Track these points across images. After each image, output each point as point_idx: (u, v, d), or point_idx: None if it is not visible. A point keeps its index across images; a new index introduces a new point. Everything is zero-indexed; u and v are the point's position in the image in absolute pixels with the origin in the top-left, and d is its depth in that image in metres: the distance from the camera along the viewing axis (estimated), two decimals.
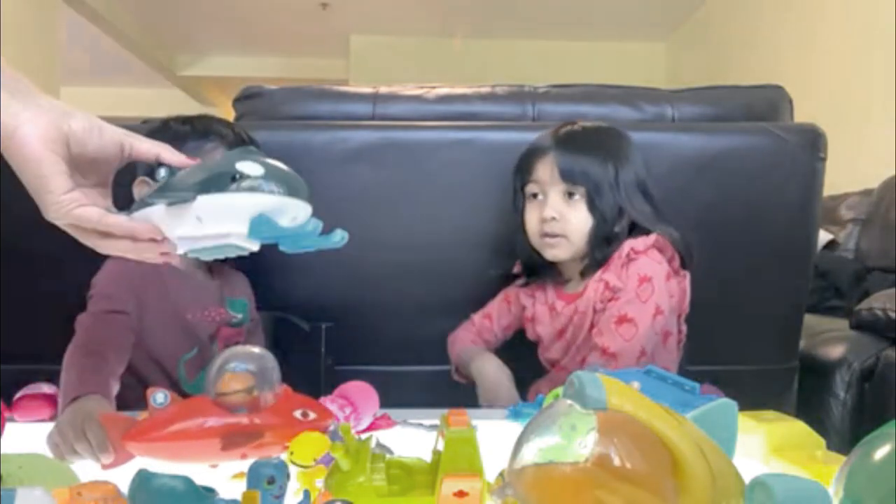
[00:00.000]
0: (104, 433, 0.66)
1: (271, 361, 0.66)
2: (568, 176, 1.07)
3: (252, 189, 0.57)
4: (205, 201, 0.57)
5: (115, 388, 0.84)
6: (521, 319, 1.22)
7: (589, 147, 1.09)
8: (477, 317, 1.26)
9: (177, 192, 0.58)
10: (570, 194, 1.08)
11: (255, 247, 0.60)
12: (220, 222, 0.58)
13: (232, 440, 0.62)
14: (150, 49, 5.78)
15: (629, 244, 1.06)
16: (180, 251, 0.61)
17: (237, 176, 0.57)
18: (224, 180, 0.57)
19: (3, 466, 0.53)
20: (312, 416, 0.66)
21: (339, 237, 0.59)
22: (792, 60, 3.48)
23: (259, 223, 0.57)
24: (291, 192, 0.58)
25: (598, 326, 1.06)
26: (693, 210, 1.25)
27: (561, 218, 1.07)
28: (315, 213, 1.41)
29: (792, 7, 3.57)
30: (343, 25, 5.46)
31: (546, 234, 1.09)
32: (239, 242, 0.59)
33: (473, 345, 1.23)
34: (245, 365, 0.64)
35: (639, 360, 1.02)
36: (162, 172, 0.62)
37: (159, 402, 0.64)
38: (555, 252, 1.10)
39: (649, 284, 1.04)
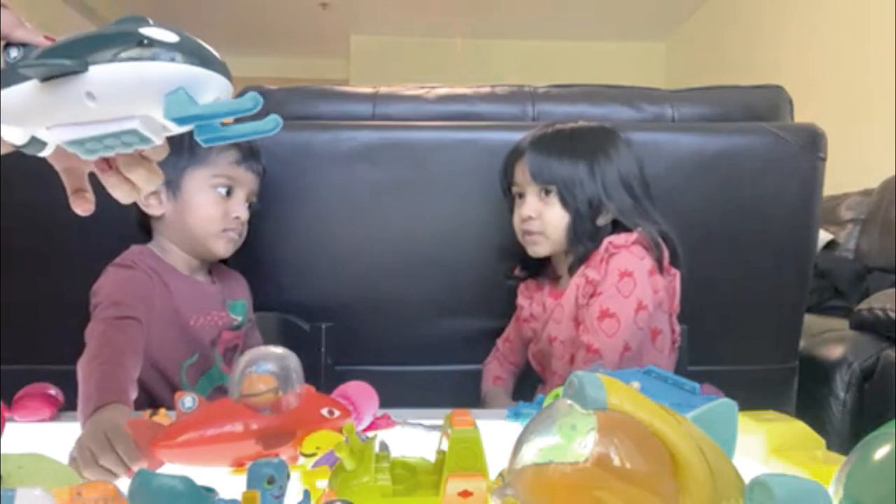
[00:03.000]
0: (131, 443, 0.65)
1: (294, 361, 0.66)
2: (538, 176, 1.10)
3: (165, 57, 0.43)
4: (100, 72, 0.43)
5: (134, 393, 0.83)
6: None
7: (558, 147, 1.11)
8: (500, 341, 1.29)
9: (57, 59, 0.43)
10: (547, 192, 1.11)
11: (159, 138, 0.47)
12: (120, 100, 0.44)
13: (266, 442, 0.62)
14: None
15: (608, 239, 1.07)
16: (60, 139, 0.47)
17: (144, 42, 0.43)
18: (126, 44, 0.43)
19: (3, 466, 0.53)
20: (338, 413, 0.67)
21: (274, 123, 0.46)
22: (792, 60, 3.48)
23: (177, 100, 0.43)
24: (209, 64, 0.45)
25: (583, 324, 1.08)
26: (693, 210, 1.25)
27: (538, 216, 1.11)
28: (316, 212, 1.41)
29: (792, 7, 3.57)
30: (343, 25, 5.46)
31: (526, 233, 1.13)
32: (143, 130, 0.45)
33: (497, 379, 1.26)
34: (268, 366, 0.65)
35: (623, 356, 1.03)
36: (13, 52, 0.45)
37: (188, 407, 0.63)
38: (535, 249, 1.13)
39: (630, 279, 1.05)
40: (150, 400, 1.02)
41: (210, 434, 0.62)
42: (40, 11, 3.74)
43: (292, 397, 0.65)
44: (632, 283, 1.05)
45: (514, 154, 1.15)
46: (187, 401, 0.63)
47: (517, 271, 1.24)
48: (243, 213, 1.07)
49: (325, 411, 0.66)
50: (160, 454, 0.63)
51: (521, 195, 1.14)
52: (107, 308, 0.94)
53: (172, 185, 1.05)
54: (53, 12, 3.91)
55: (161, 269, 1.06)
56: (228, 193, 1.06)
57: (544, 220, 1.11)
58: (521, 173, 1.13)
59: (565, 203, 1.09)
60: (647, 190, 1.13)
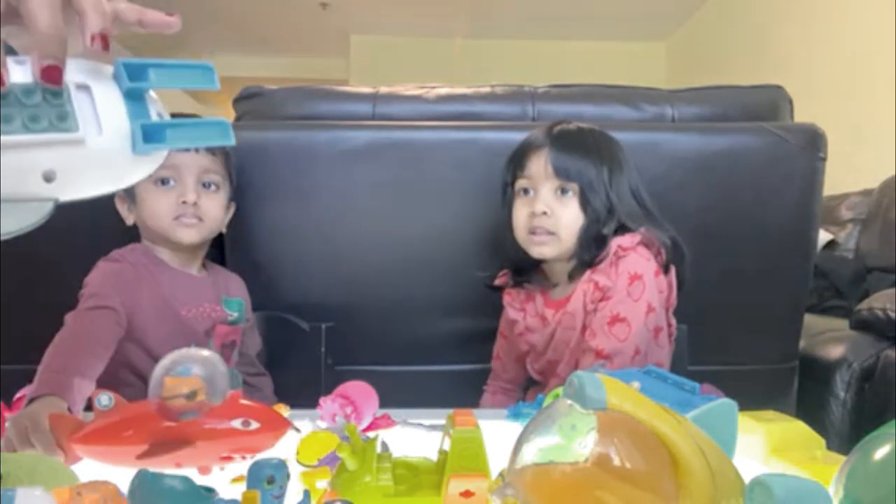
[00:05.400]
0: (49, 437, 0.67)
1: (220, 366, 0.63)
2: (562, 172, 1.05)
3: None
4: None
5: (85, 384, 0.84)
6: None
7: (584, 146, 1.07)
8: (493, 363, 1.27)
9: None
10: (563, 191, 1.06)
11: None
12: None
13: (159, 448, 0.60)
14: (150, 49, 5.79)
15: (616, 242, 1.04)
16: None
17: None
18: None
19: (3, 466, 0.53)
20: (255, 425, 0.62)
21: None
22: (792, 60, 3.48)
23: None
24: None
25: (590, 328, 1.05)
26: (693, 210, 1.25)
27: (552, 213, 1.05)
28: (316, 212, 1.41)
29: (792, 7, 3.57)
30: (343, 25, 5.46)
31: (535, 231, 1.07)
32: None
33: (493, 398, 1.24)
34: (190, 368, 0.63)
35: (634, 359, 1.01)
36: None
37: (103, 405, 0.63)
38: (541, 250, 1.07)
39: (640, 282, 1.03)
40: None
41: (111, 434, 0.62)
42: None
43: (213, 402, 0.62)
44: (641, 287, 1.02)
45: (530, 146, 1.09)
46: (103, 399, 0.63)
47: (502, 279, 1.18)
48: (192, 197, 1.06)
49: (237, 422, 0.62)
50: (76, 450, 0.63)
51: (528, 191, 1.09)
52: (86, 299, 0.98)
53: (130, 192, 1.08)
54: None
55: (151, 263, 1.09)
56: (173, 182, 1.06)
57: (558, 219, 1.05)
58: (539, 166, 1.06)
59: (584, 204, 1.05)
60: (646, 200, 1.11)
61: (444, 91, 1.37)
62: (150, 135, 0.45)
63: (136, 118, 0.44)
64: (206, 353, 0.65)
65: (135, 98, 0.45)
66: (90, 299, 0.98)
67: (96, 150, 0.43)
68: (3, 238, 0.43)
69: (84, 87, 0.44)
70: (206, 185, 1.09)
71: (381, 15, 5.23)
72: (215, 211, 1.10)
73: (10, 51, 0.45)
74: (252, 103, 1.35)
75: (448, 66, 5.31)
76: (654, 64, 5.46)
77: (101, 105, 0.44)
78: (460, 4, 4.98)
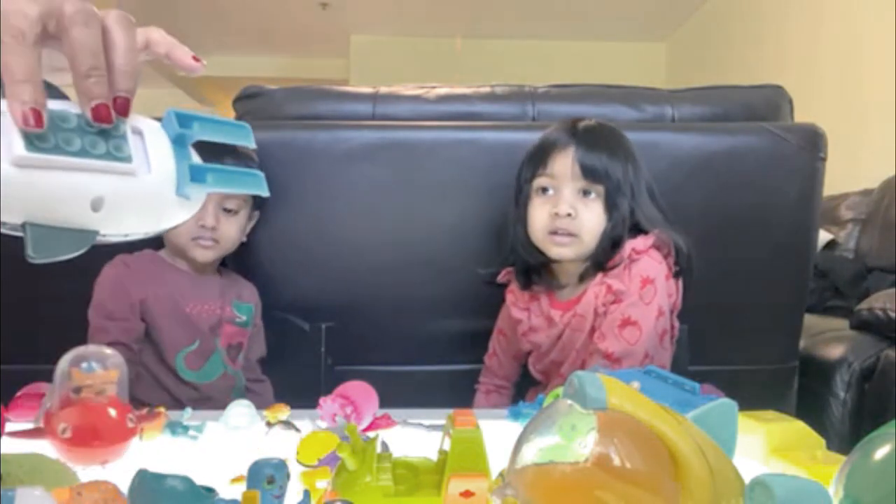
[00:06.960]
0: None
1: (122, 371, 0.64)
2: (589, 172, 1.02)
3: None
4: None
5: None
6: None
7: (610, 145, 1.05)
8: (487, 359, 1.26)
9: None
10: (586, 192, 1.04)
11: None
12: None
13: (30, 431, 0.63)
14: None
15: (630, 245, 1.03)
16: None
17: None
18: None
19: (3, 466, 0.53)
20: (68, 435, 0.60)
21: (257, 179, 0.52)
22: (793, 60, 3.48)
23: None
24: None
25: (599, 330, 1.04)
26: (693, 210, 1.25)
27: (576, 216, 1.03)
28: (315, 212, 1.41)
29: (792, 7, 3.57)
30: (343, 25, 5.46)
31: (556, 232, 1.04)
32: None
33: (487, 396, 1.24)
34: (92, 366, 0.63)
35: (643, 363, 1.00)
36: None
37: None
38: (561, 251, 1.05)
39: (652, 286, 1.02)
40: (159, 386, 1.10)
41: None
42: None
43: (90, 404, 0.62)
44: (653, 290, 1.01)
45: (554, 143, 1.06)
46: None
47: (505, 277, 1.17)
48: (210, 221, 1.10)
49: (60, 427, 0.60)
50: None
51: (548, 189, 1.06)
52: (94, 334, 1.04)
53: None
54: None
55: (158, 268, 1.13)
56: None
57: (581, 222, 1.03)
58: (564, 165, 1.03)
59: (609, 207, 1.02)
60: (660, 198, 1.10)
61: (444, 91, 1.37)
62: (194, 175, 0.48)
63: (182, 161, 0.48)
64: (108, 351, 0.65)
65: (180, 145, 0.48)
66: (95, 336, 1.03)
67: (145, 187, 0.45)
68: (36, 262, 0.44)
69: (137, 131, 0.46)
70: (226, 210, 1.13)
71: (381, 15, 5.23)
72: (232, 233, 1.15)
73: (55, 93, 0.46)
74: (252, 103, 1.35)
75: (448, 66, 5.31)
76: (654, 64, 5.47)
77: (151, 147, 0.46)
78: (460, 4, 4.99)
